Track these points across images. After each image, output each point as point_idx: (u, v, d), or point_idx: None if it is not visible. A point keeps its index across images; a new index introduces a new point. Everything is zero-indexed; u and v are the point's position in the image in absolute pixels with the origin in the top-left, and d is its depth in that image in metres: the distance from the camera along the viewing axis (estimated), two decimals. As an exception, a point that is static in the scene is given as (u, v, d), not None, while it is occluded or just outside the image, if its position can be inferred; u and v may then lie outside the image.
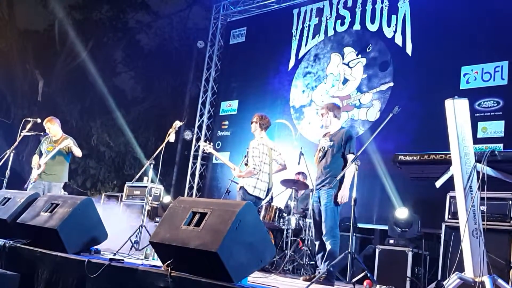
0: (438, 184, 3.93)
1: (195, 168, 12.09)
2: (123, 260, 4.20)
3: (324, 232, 5.45)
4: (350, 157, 5.50)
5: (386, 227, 7.63)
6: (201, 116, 12.40)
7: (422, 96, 8.26)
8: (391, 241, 6.88)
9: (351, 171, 5.34)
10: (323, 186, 5.56)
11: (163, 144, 6.78)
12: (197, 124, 12.35)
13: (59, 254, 4.42)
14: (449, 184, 3.83)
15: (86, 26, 16.45)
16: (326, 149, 5.69)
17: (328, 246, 5.39)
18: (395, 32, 9.09)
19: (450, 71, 8.12)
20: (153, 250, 4.63)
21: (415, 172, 4.38)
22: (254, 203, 6.54)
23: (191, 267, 3.44)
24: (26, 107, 15.24)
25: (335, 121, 5.82)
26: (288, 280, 5.48)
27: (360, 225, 8.11)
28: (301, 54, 10.60)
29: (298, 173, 8.19)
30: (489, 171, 3.53)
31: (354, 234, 5.41)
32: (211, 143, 7.85)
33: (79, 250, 4.69)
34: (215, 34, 12.74)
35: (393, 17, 9.17)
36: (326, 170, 5.59)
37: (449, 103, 3.55)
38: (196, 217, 3.63)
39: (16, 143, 7.49)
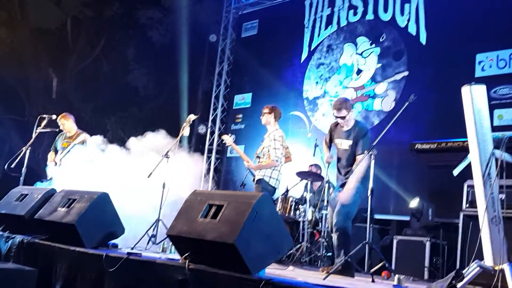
0: (455, 172, 3.89)
1: (210, 162, 12.09)
2: (140, 253, 4.21)
3: (334, 221, 5.34)
4: (358, 158, 5.33)
5: (402, 218, 7.62)
6: (214, 110, 12.39)
7: (437, 85, 8.17)
8: (409, 232, 6.85)
9: (360, 171, 5.24)
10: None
11: (178, 138, 6.79)
12: (210, 118, 12.35)
13: (77, 249, 4.45)
14: (465, 173, 3.80)
15: (98, 23, 16.49)
16: (346, 148, 5.57)
17: (336, 239, 5.30)
18: (408, 21, 9.00)
19: (465, 59, 8.01)
20: (171, 243, 4.64)
21: (432, 160, 4.35)
22: (273, 194, 6.57)
23: (209, 259, 3.44)
24: (40, 105, 15.32)
25: (352, 115, 5.63)
26: (306, 272, 5.46)
27: (376, 216, 8.06)
28: (313, 45, 10.54)
29: (312, 165, 8.16)
30: (507, 157, 3.48)
31: (371, 225, 5.37)
32: (233, 136, 7.86)
33: (97, 245, 4.71)
34: (227, 27, 12.71)
35: (406, 5, 9.07)
36: (349, 169, 5.39)
37: (466, 90, 3.50)
38: (213, 209, 3.63)
39: (32, 140, 7.50)
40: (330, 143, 5.83)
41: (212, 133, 12.25)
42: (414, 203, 7.01)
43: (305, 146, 9.32)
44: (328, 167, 6.08)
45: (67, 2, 16.01)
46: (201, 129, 12.63)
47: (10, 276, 4.00)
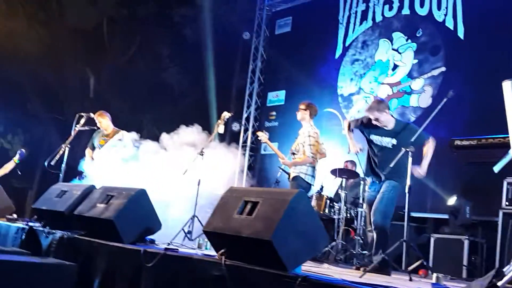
0: (496, 169, 3.82)
1: (244, 159, 12.12)
2: (177, 249, 4.25)
3: (372, 219, 5.32)
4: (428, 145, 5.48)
5: (439, 216, 7.50)
6: (248, 107, 12.41)
7: (476, 80, 8.01)
8: (447, 230, 6.75)
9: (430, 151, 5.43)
10: (390, 179, 5.38)
11: (212, 136, 6.83)
12: (244, 115, 12.37)
13: (116, 244, 4.51)
14: (505, 170, 3.72)
15: (133, 22, 16.70)
16: (388, 147, 5.49)
17: (375, 236, 5.28)
18: (445, 15, 8.84)
19: (504, 54, 7.83)
20: (206, 239, 4.67)
21: (472, 157, 4.27)
22: (308, 190, 6.57)
23: (245, 255, 3.45)
24: (78, 103, 15.59)
25: (388, 115, 5.54)
26: (341, 270, 5.42)
27: (412, 214, 7.95)
28: (348, 41, 10.46)
29: (347, 161, 8.12)
30: (550, 154, 3.40)
31: (408, 223, 5.30)
32: (267, 133, 7.89)
33: (135, 240, 4.77)
34: (261, 25, 12.70)
35: (443, 0, 8.92)
36: (392, 167, 5.13)
37: (507, 84, 3.43)
38: (248, 206, 3.63)
39: (71, 137, 7.60)
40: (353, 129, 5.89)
41: (246, 130, 12.28)
42: (452, 200, 6.92)
43: (339, 143, 9.26)
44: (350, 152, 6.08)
45: (103, 2, 16.24)
46: (235, 126, 12.66)
47: (52, 270, 4.08)
